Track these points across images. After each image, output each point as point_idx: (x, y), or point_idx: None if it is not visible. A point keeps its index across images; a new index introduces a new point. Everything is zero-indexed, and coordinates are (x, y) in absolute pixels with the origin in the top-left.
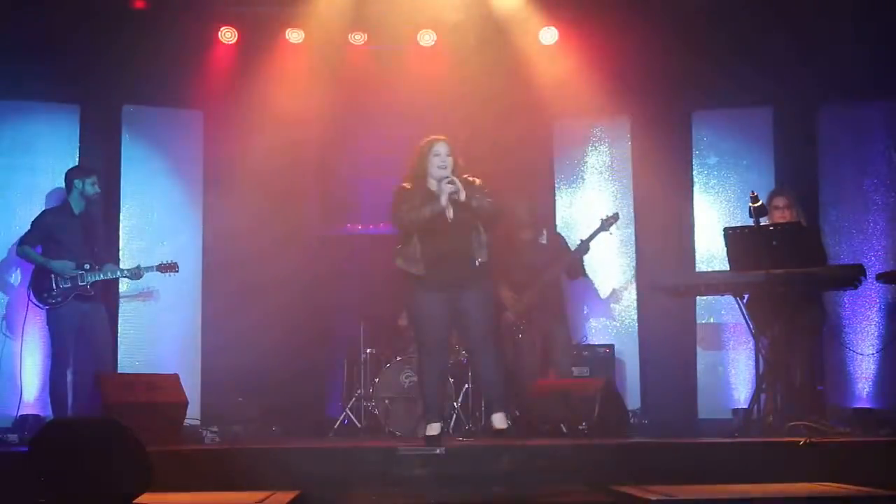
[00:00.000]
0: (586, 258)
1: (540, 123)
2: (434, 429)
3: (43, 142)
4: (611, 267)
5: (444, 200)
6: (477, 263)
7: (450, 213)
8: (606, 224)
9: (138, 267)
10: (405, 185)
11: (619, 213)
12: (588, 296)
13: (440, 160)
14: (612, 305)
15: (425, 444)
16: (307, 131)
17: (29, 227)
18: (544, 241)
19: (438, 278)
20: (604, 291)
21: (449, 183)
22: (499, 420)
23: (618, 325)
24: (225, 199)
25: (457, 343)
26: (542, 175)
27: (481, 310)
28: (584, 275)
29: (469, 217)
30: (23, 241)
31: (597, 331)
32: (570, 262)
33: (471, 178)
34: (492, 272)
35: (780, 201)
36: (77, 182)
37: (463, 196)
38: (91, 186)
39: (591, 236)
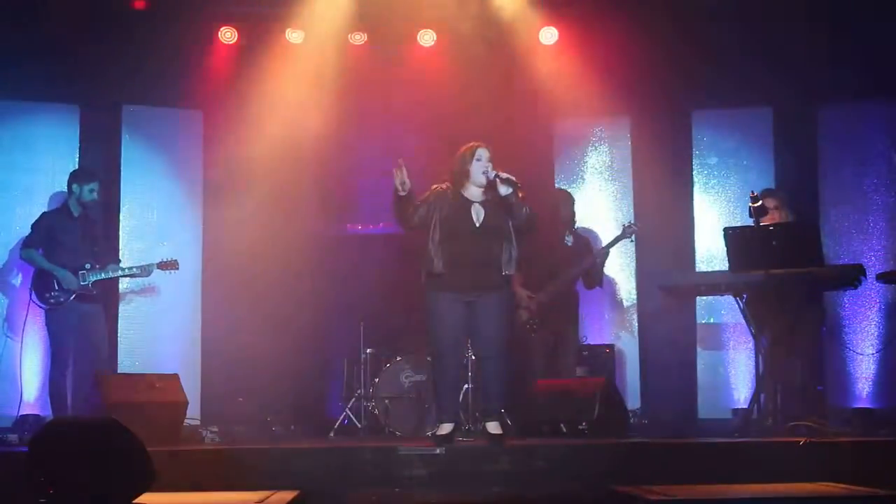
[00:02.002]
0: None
1: (540, 123)
2: (445, 429)
3: (43, 142)
4: (611, 267)
5: (503, 191)
6: (502, 275)
7: (477, 218)
8: (628, 231)
9: (150, 264)
10: (439, 186)
11: (634, 222)
12: (589, 296)
13: (482, 165)
14: (612, 305)
15: (434, 442)
16: (307, 131)
17: (29, 229)
18: (570, 243)
19: (457, 280)
20: (604, 291)
21: (504, 180)
22: (493, 426)
23: (618, 325)
24: (225, 199)
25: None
26: (542, 175)
27: (497, 317)
28: (601, 285)
29: (502, 225)
30: (25, 244)
31: (597, 331)
32: (591, 268)
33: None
34: (513, 279)
35: (770, 202)
36: (75, 187)
37: (510, 191)
38: (89, 193)
39: (612, 243)
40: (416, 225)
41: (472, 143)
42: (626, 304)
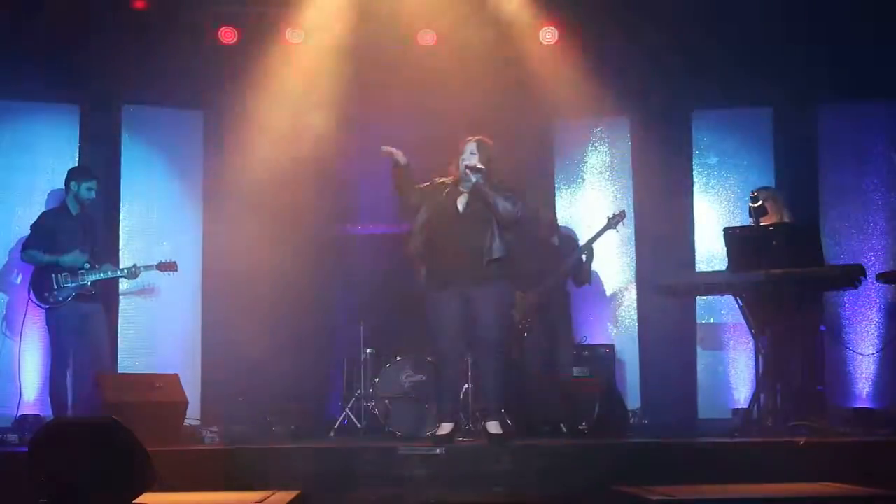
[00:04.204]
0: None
1: (540, 123)
2: (445, 428)
3: (43, 142)
4: (611, 267)
5: (473, 179)
6: (485, 263)
7: (462, 205)
8: (613, 222)
9: (135, 266)
10: (444, 179)
11: (625, 211)
12: (589, 296)
13: (465, 158)
14: (612, 305)
15: (434, 442)
16: (307, 131)
17: (29, 230)
18: (557, 243)
19: (447, 270)
20: (604, 291)
21: (471, 171)
22: (493, 426)
23: (618, 325)
24: (225, 199)
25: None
26: (542, 175)
27: (492, 313)
28: (590, 282)
29: (485, 212)
30: (25, 245)
31: (597, 331)
32: (577, 266)
33: (501, 180)
34: (510, 273)
35: (762, 195)
36: (73, 184)
37: (478, 179)
38: (87, 191)
39: (598, 235)
40: (415, 202)
41: (466, 137)
42: (626, 304)
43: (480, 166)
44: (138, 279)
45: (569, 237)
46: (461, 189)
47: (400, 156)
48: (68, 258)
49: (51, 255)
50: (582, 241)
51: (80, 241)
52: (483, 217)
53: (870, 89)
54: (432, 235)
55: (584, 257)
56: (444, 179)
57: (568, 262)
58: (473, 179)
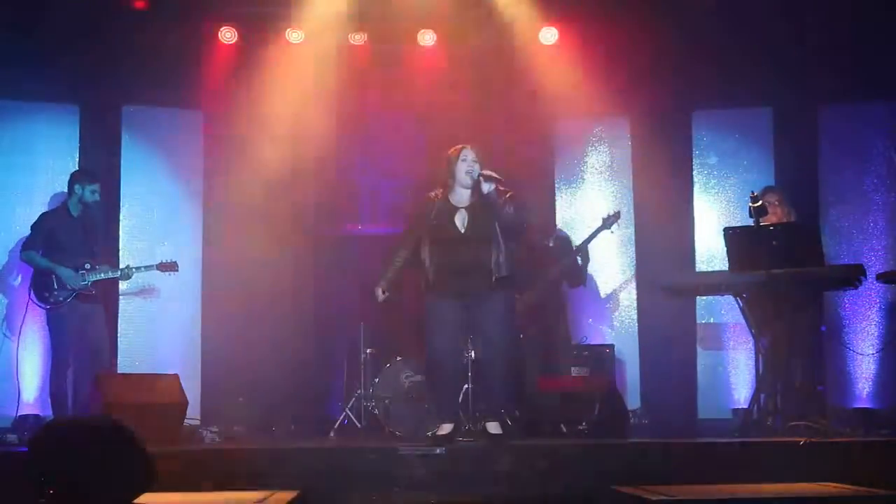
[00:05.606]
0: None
1: (540, 123)
2: (445, 429)
3: (43, 142)
4: (611, 267)
5: (485, 188)
6: (494, 279)
7: (461, 224)
8: (608, 222)
9: (128, 267)
10: (430, 194)
11: (621, 212)
12: (588, 296)
13: (467, 165)
14: (611, 305)
15: (434, 442)
16: (307, 131)
17: (29, 231)
18: (551, 244)
19: (450, 287)
20: (604, 291)
21: (486, 177)
22: (493, 427)
23: (618, 325)
24: (225, 199)
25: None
26: (542, 175)
27: (496, 320)
28: (584, 283)
29: (489, 228)
30: (25, 246)
31: (597, 331)
32: (572, 266)
33: (503, 189)
34: (514, 281)
35: (771, 197)
36: (77, 187)
37: (491, 186)
38: (91, 194)
39: (593, 235)
40: (414, 243)
41: (458, 145)
42: (625, 304)
43: (497, 176)
44: (137, 279)
45: (564, 238)
46: (455, 203)
47: (385, 293)
48: (64, 271)
49: (49, 262)
50: (577, 243)
51: (80, 241)
52: (487, 234)
53: (870, 89)
54: (433, 255)
55: (578, 259)
56: (432, 195)
57: (562, 263)
58: (486, 190)
